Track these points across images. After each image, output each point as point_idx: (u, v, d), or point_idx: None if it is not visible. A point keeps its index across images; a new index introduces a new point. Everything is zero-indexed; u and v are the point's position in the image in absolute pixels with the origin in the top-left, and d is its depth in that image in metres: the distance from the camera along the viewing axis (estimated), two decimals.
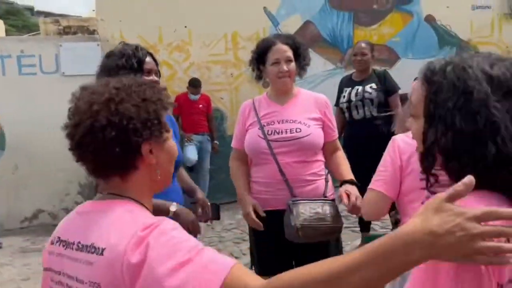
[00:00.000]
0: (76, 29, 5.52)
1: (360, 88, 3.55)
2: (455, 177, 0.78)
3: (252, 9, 5.59)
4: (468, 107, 0.78)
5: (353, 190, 1.93)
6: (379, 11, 6.14)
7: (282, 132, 2.02)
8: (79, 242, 0.87)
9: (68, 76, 5.11)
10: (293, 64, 2.06)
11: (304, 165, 2.01)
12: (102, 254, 0.82)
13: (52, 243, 0.94)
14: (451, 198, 0.69)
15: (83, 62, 5.10)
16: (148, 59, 1.74)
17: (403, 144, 1.52)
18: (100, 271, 0.81)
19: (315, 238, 1.93)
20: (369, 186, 1.56)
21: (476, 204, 0.71)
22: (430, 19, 6.28)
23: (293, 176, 1.98)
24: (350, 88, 3.61)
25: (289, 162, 1.99)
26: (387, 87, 3.56)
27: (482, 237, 0.66)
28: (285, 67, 2.03)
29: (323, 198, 1.99)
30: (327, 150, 2.11)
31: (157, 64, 1.79)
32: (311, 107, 2.09)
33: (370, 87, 3.53)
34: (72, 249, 0.88)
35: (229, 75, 5.71)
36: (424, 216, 0.69)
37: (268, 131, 2.03)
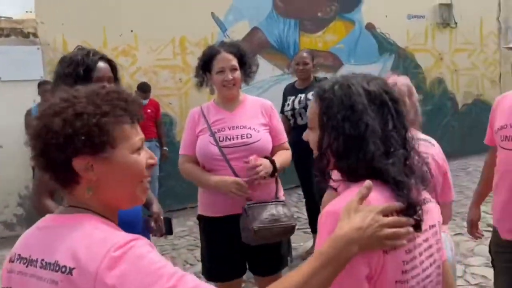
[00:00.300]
0: (9, 32, 5.17)
1: (302, 96, 3.69)
2: (345, 173, 1.02)
3: (200, 14, 5.58)
4: (353, 116, 0.98)
5: (263, 160, 2.00)
6: (323, 19, 6.37)
7: (233, 138, 2.05)
8: (43, 260, 0.83)
9: (5, 81, 4.83)
10: (238, 73, 2.09)
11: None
12: (70, 273, 0.78)
13: (11, 260, 0.89)
14: (361, 200, 0.90)
15: (22, 67, 4.84)
16: (101, 64, 1.63)
17: None
18: None
19: (271, 239, 2.00)
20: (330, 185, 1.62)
21: (378, 195, 0.93)
22: (370, 27, 6.61)
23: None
24: (293, 97, 3.75)
25: (242, 167, 2.02)
26: None
27: (388, 226, 0.89)
28: (230, 76, 2.06)
29: (276, 200, 2.06)
30: (275, 153, 2.15)
31: (114, 69, 1.68)
32: (258, 113, 2.14)
33: (312, 94, 3.65)
34: (36, 266, 0.84)
35: (177, 80, 5.66)
36: (347, 218, 0.88)
37: (219, 137, 2.05)
